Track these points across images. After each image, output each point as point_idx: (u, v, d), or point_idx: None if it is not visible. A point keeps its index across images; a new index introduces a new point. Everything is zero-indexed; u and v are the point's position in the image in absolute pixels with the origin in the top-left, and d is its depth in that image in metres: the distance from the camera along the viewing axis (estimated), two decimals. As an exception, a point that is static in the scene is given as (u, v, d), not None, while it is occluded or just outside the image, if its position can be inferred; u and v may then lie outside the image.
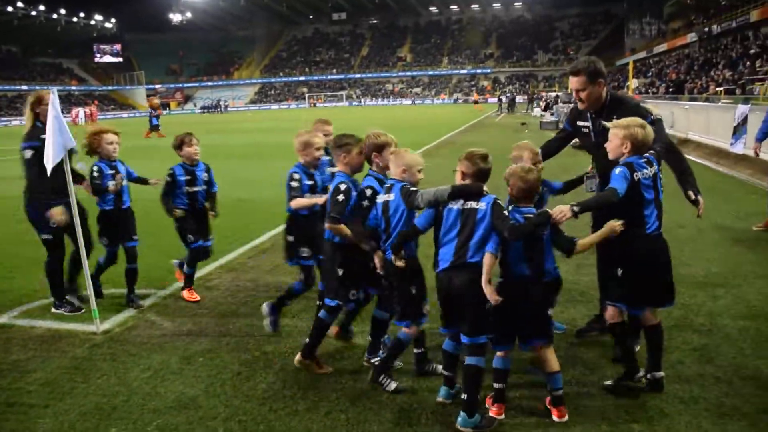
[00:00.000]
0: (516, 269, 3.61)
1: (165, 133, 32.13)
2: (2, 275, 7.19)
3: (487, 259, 3.49)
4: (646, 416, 3.62)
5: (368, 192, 4.20)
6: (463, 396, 3.61)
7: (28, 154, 5.52)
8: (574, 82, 4.22)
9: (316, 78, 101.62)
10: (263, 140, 27.31)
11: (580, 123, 4.48)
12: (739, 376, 4.07)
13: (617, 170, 3.69)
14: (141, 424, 3.83)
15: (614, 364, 4.25)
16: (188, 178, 6.35)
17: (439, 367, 4.10)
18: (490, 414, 3.65)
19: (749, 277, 6.09)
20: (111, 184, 6.14)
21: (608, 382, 3.95)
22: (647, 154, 3.85)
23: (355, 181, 4.36)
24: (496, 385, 3.70)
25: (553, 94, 40.10)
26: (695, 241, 7.39)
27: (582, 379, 4.14)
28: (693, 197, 4.14)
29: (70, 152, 5.39)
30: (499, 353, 3.70)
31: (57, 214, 5.59)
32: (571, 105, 21.13)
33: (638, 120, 3.78)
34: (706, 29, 37.37)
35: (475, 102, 64.73)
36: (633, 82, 34.37)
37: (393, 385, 4.06)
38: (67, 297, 5.98)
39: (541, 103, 40.31)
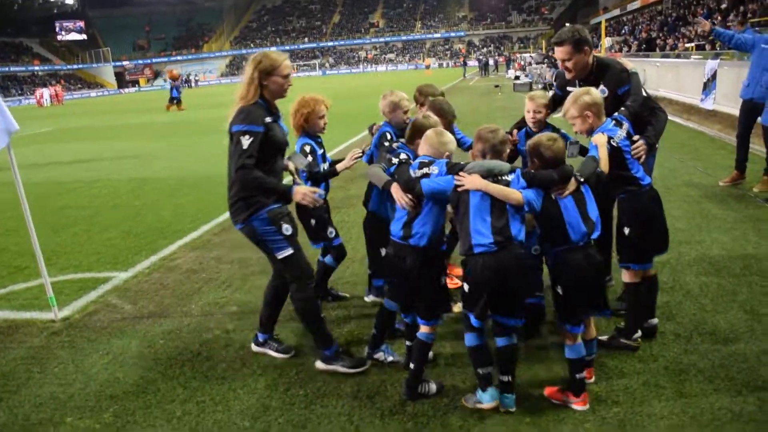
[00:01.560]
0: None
1: (185, 106, 31.58)
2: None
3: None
4: (604, 377, 3.62)
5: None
6: (508, 378, 3.37)
7: None
8: (559, 52, 4.16)
9: (287, 47, 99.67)
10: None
11: (570, 89, 4.42)
12: (699, 332, 4.08)
13: (591, 141, 3.73)
14: (97, 411, 3.74)
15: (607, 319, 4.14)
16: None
17: (434, 387, 3.63)
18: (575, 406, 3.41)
19: (714, 233, 6.11)
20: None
21: (603, 337, 3.91)
22: (616, 115, 3.81)
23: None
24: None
25: (527, 56, 39.85)
26: (663, 198, 7.31)
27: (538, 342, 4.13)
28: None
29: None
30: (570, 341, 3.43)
31: None
32: (543, 65, 21.06)
33: (581, 89, 3.78)
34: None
35: (427, 67, 64.60)
36: (606, 41, 34.26)
37: (434, 387, 3.62)
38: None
39: (515, 65, 40.07)
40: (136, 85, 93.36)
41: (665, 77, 18.30)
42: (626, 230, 3.81)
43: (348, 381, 3.85)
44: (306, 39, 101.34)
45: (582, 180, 3.38)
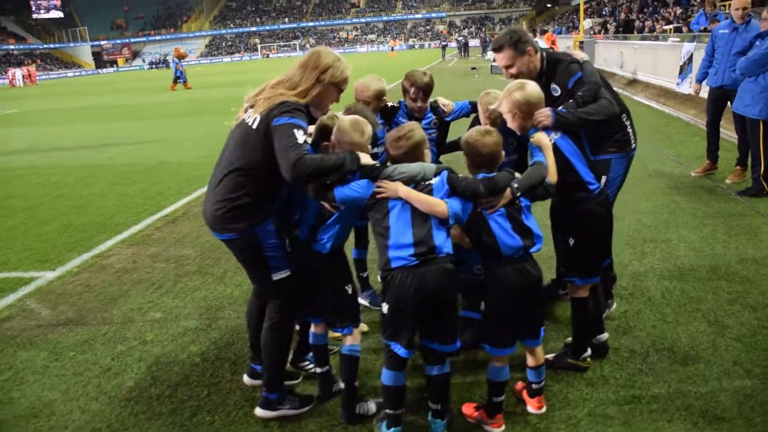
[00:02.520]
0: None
1: (191, 85, 30.58)
2: None
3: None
4: (547, 403, 3.21)
5: None
6: (438, 406, 3.01)
7: None
8: (500, 59, 3.66)
9: (268, 28, 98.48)
10: (203, 96, 26.10)
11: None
12: (657, 348, 3.69)
13: (531, 143, 3.24)
14: (-22, 441, 3.30)
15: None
16: None
17: (372, 406, 3.25)
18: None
19: (681, 229, 5.73)
20: None
21: (549, 356, 3.50)
22: (560, 109, 3.35)
23: None
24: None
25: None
26: (630, 190, 6.89)
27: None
28: None
29: None
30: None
31: None
32: None
33: (515, 83, 3.32)
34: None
35: (392, 49, 64.84)
36: (586, 23, 33.77)
37: (373, 407, 3.25)
38: None
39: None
40: (114, 65, 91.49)
41: (642, 60, 17.88)
42: (571, 241, 3.38)
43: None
44: (286, 19, 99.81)
45: (519, 194, 2.94)
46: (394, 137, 3.01)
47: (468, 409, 3.15)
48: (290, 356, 3.71)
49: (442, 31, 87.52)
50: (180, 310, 4.80)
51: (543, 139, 3.18)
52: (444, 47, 48.84)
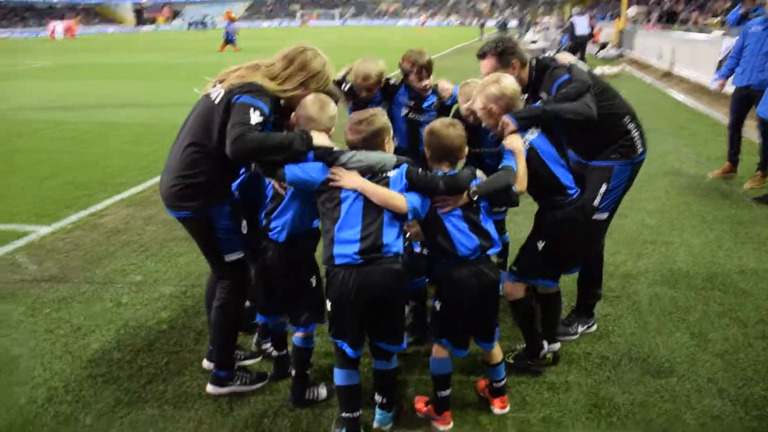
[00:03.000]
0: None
1: (239, 47, 30.67)
2: None
3: None
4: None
5: None
6: (383, 398, 2.92)
7: None
8: (483, 66, 3.47)
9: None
10: (243, 59, 26.02)
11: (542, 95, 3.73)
12: (631, 356, 3.53)
13: (503, 145, 3.06)
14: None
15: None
16: None
17: (323, 391, 3.17)
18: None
19: (685, 233, 5.50)
20: None
21: (509, 359, 3.37)
22: (536, 105, 3.19)
23: None
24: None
25: (546, 20, 38.39)
26: (641, 188, 6.71)
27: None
28: None
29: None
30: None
31: None
32: (559, 30, 19.63)
33: (490, 77, 3.16)
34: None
35: (422, 24, 64.63)
36: (630, 10, 32.82)
37: (324, 392, 3.17)
38: None
39: (536, 29, 38.53)
40: (153, 23, 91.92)
41: (681, 52, 17.25)
42: (540, 244, 3.20)
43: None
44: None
45: (476, 198, 2.77)
46: (355, 120, 2.84)
47: (419, 403, 3.07)
48: (255, 337, 3.67)
49: (483, 10, 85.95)
50: (160, 274, 4.78)
51: (515, 141, 3.00)
52: (482, 25, 47.80)
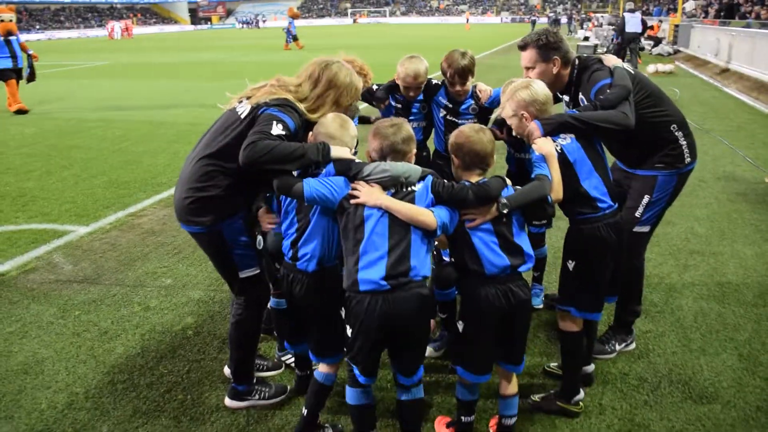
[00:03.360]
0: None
1: (303, 44, 31.34)
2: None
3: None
4: (530, 428, 2.93)
5: None
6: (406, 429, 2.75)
7: None
8: (523, 57, 3.27)
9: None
10: (299, 59, 26.30)
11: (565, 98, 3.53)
12: (671, 378, 3.30)
13: (534, 151, 2.84)
14: (-34, 391, 3.37)
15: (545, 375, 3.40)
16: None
17: None
18: None
19: (737, 243, 5.17)
20: None
21: (535, 398, 3.12)
22: (571, 111, 2.98)
23: None
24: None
25: (599, 16, 37.33)
26: (691, 193, 6.40)
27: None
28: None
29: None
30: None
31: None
32: (611, 28, 19.08)
33: (521, 82, 2.93)
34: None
35: (467, 21, 64.32)
36: (688, 4, 31.68)
37: None
38: None
39: (589, 25, 37.52)
40: (208, 22, 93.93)
41: (739, 49, 16.46)
42: (570, 264, 2.96)
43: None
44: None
45: (506, 211, 2.57)
46: (384, 125, 2.66)
47: (440, 424, 2.91)
48: (275, 350, 3.59)
49: (536, 6, 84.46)
50: (190, 278, 4.77)
51: (546, 145, 2.78)
52: (533, 22, 46.72)
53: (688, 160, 3.24)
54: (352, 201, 2.51)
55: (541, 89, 2.87)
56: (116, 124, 11.38)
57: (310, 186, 2.53)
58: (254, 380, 3.19)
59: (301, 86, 2.85)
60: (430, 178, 2.59)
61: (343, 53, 3.55)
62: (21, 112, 12.71)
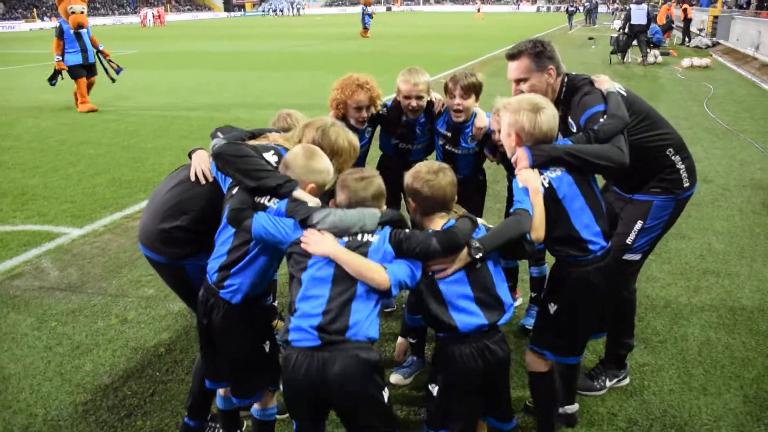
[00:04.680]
0: None
1: (370, 35, 31.49)
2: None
3: None
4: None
5: None
6: None
7: None
8: (513, 68, 2.96)
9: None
10: (303, 49, 26.13)
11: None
12: (665, 422, 3.01)
13: (517, 182, 2.55)
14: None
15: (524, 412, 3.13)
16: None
17: None
18: None
19: (756, 262, 4.80)
20: None
21: None
22: (563, 142, 2.67)
23: None
24: None
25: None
26: (712, 203, 6.01)
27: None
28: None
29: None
30: None
31: None
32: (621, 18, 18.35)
33: (532, 100, 2.60)
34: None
35: (478, 10, 62.67)
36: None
37: None
38: None
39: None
40: (242, 10, 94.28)
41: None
42: (551, 307, 2.66)
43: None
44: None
45: (479, 256, 2.29)
46: (353, 176, 2.40)
47: None
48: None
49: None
50: (158, 291, 4.61)
51: (531, 178, 2.48)
52: (571, 14, 43.66)
53: (686, 184, 2.95)
54: (302, 246, 2.26)
55: (547, 121, 2.54)
56: (131, 118, 11.33)
57: (260, 224, 2.31)
58: (208, 416, 3.01)
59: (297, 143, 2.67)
60: (388, 229, 2.31)
61: (355, 74, 3.54)
62: (90, 111, 11.86)
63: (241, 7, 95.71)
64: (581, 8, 46.89)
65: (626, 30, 18.89)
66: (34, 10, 70.18)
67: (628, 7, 20.92)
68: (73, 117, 11.54)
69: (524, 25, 42.41)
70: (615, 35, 23.14)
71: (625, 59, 18.96)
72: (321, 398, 2.19)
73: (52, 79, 11.88)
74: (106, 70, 12.25)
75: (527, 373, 2.85)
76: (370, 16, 31.56)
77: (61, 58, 11.66)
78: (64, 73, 11.78)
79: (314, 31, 34.00)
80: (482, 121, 3.62)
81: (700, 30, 25.57)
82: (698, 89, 13.30)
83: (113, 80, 12.56)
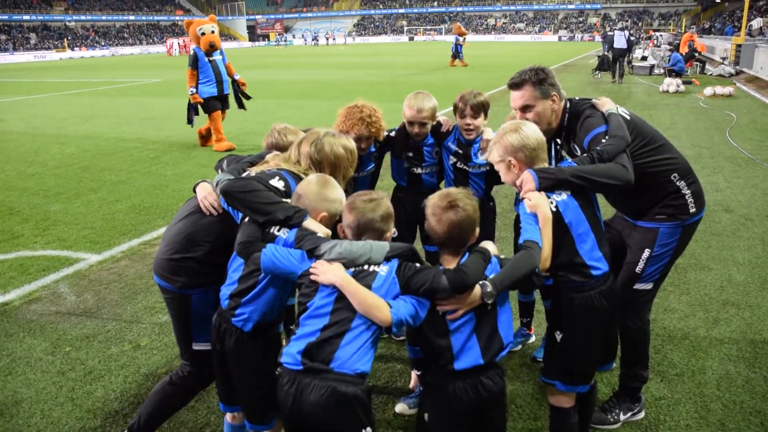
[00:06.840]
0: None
1: (468, 62, 31.57)
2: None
3: None
4: None
5: None
6: None
7: None
8: (517, 97, 2.96)
9: (416, 11, 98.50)
10: (326, 78, 26.44)
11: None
12: (679, 461, 2.93)
13: (524, 207, 2.53)
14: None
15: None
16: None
17: None
18: None
19: (780, 294, 4.69)
20: None
21: None
22: (570, 161, 2.68)
23: None
24: None
25: (658, 35, 36.13)
26: (734, 233, 5.89)
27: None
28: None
29: None
30: None
31: None
32: (669, 47, 18.97)
33: (508, 125, 2.63)
34: None
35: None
36: (755, 22, 30.43)
37: None
38: None
39: (649, 43, 36.22)
40: (266, 39, 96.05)
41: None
42: (558, 335, 2.62)
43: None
44: (435, 3, 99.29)
45: (490, 301, 2.23)
46: (362, 198, 2.38)
47: None
48: None
49: (595, 23, 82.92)
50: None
51: (540, 203, 2.45)
52: (611, 39, 42.16)
53: (693, 210, 2.91)
54: (312, 277, 2.26)
55: (532, 133, 2.58)
56: (152, 145, 11.52)
57: (268, 257, 2.31)
58: None
59: (302, 166, 2.70)
60: (395, 262, 2.28)
61: (362, 99, 3.56)
62: (228, 150, 10.60)
63: (266, 36, 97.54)
64: (601, 38, 46.22)
65: (607, 52, 21.72)
66: (65, 40, 72.23)
67: (611, 33, 24.09)
68: (94, 143, 11.77)
69: (555, 52, 42.49)
70: (601, 55, 23.59)
71: (614, 80, 21.10)
72: (301, 425, 2.17)
73: (190, 117, 10.67)
74: (240, 101, 11.11)
75: (549, 408, 2.78)
76: (461, 45, 30.99)
77: (195, 90, 10.51)
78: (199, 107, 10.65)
79: (356, 60, 34.43)
80: (489, 134, 3.64)
81: (723, 59, 25.45)
82: (721, 118, 13.17)
83: (244, 108, 11.41)
